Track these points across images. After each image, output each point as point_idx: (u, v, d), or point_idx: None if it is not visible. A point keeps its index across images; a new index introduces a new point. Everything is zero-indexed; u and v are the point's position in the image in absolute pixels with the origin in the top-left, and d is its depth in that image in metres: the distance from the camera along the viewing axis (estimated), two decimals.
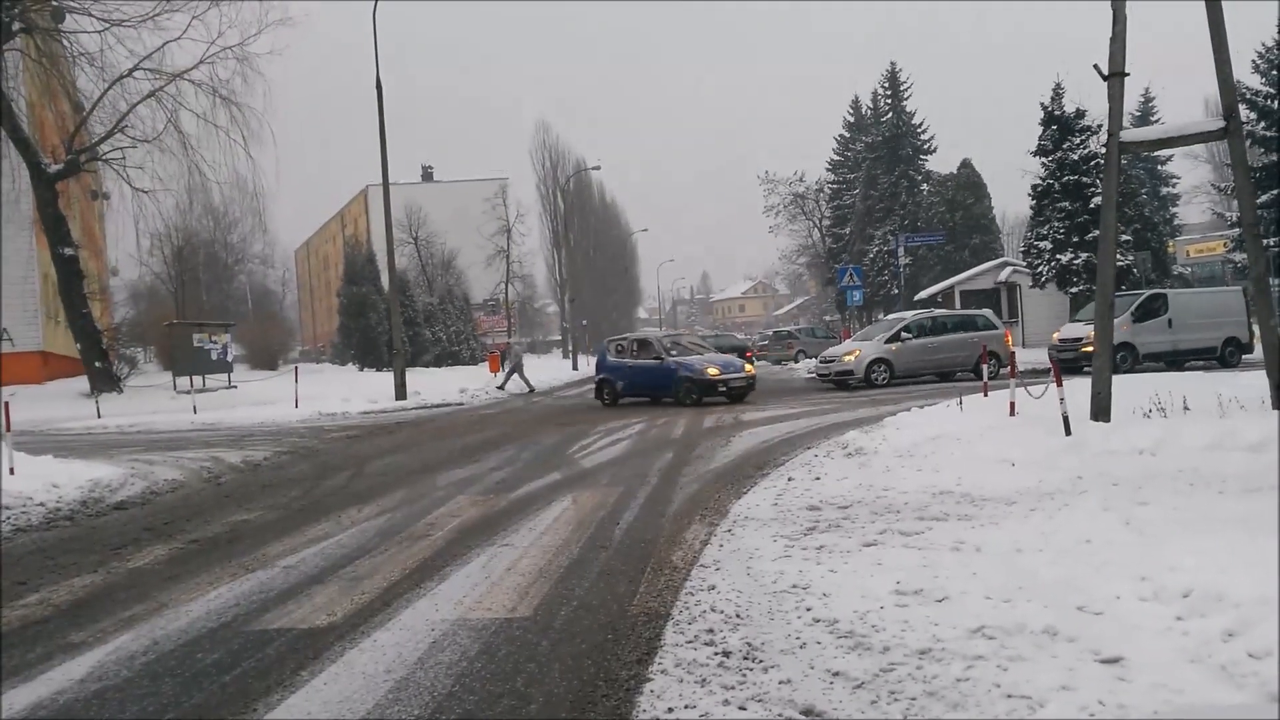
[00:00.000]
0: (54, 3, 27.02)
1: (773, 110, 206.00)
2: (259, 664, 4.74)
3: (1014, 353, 15.57)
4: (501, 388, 29.82)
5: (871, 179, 53.92)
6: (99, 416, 23.19)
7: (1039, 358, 24.44)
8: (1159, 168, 53.15)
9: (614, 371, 21.60)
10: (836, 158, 62.11)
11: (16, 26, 26.04)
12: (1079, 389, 10.22)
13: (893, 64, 56.82)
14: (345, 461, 13.46)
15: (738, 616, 5.02)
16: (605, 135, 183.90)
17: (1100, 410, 9.87)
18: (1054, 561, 5.36)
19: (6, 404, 11.92)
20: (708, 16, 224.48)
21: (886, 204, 53.07)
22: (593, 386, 22.92)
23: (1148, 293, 23.74)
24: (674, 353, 20.97)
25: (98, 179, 34.40)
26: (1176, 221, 52.54)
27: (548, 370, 45.57)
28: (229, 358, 32.57)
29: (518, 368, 30.32)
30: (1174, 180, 55.06)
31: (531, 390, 29.69)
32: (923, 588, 5.10)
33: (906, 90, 56.38)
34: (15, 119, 26.41)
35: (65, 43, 27.84)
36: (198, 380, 28.71)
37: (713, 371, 20.07)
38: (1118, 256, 16.42)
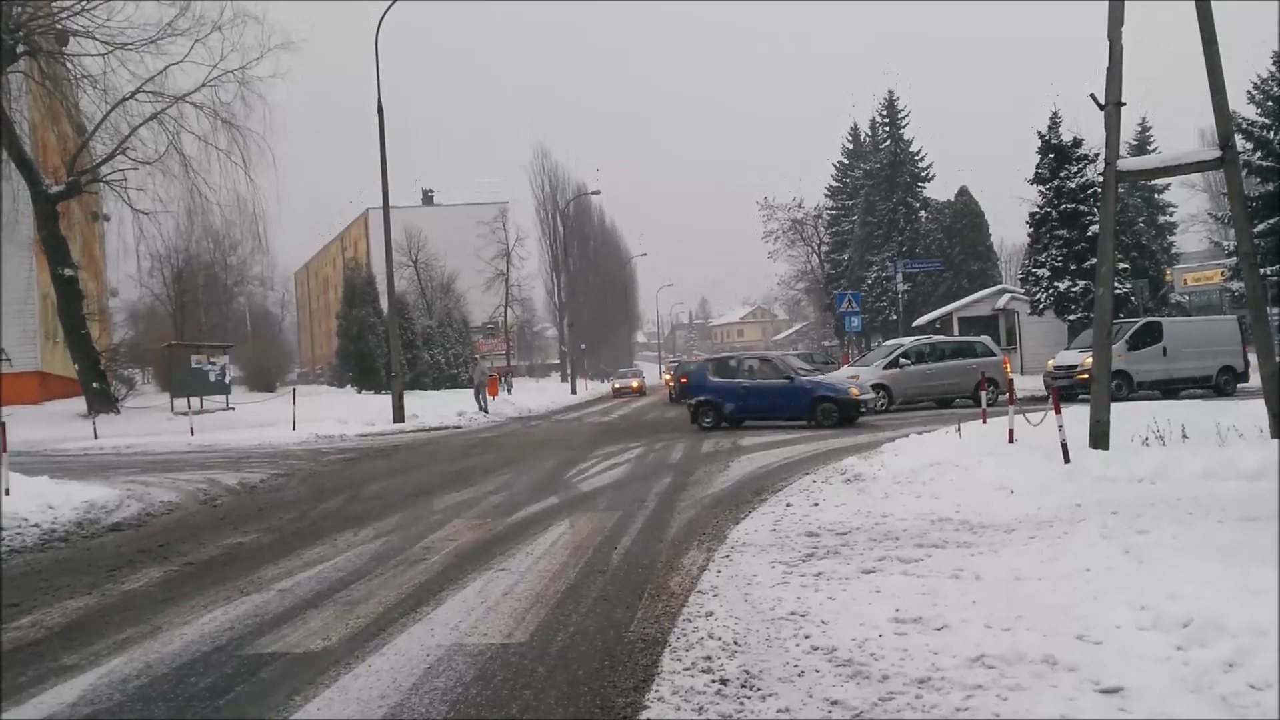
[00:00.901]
0: (58, 26, 27.24)
1: (771, 136, 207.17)
2: (253, 688, 4.70)
3: (1012, 379, 15.59)
4: (486, 410, 30.27)
5: (870, 205, 54.20)
6: (96, 437, 23.12)
7: (1037, 385, 24.46)
8: (1156, 196, 53.44)
9: (720, 393, 20.12)
10: (835, 184, 62.45)
11: (20, 49, 26.21)
12: (1077, 416, 10.21)
13: (890, 93, 57.35)
14: (342, 484, 13.42)
15: (735, 644, 4.99)
16: (605, 160, 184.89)
17: (1099, 438, 9.87)
18: (1053, 590, 5.34)
19: (4, 425, 11.89)
20: (706, 44, 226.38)
21: (885, 230, 53.31)
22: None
23: (1142, 321, 23.79)
24: (803, 372, 20.17)
25: (99, 200, 34.53)
26: (1174, 250, 52.73)
27: (547, 394, 45.62)
28: (227, 379, 32.54)
29: (480, 388, 30.82)
30: (1171, 209, 55.35)
31: (485, 414, 29.80)
32: (922, 615, 5.07)
33: (904, 119, 56.80)
34: (17, 140, 26.51)
35: (68, 65, 28.02)
36: (195, 402, 28.67)
37: (855, 391, 19.36)
38: (1115, 284, 16.47)
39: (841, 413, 18.92)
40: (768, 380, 19.88)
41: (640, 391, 48.52)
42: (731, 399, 20.01)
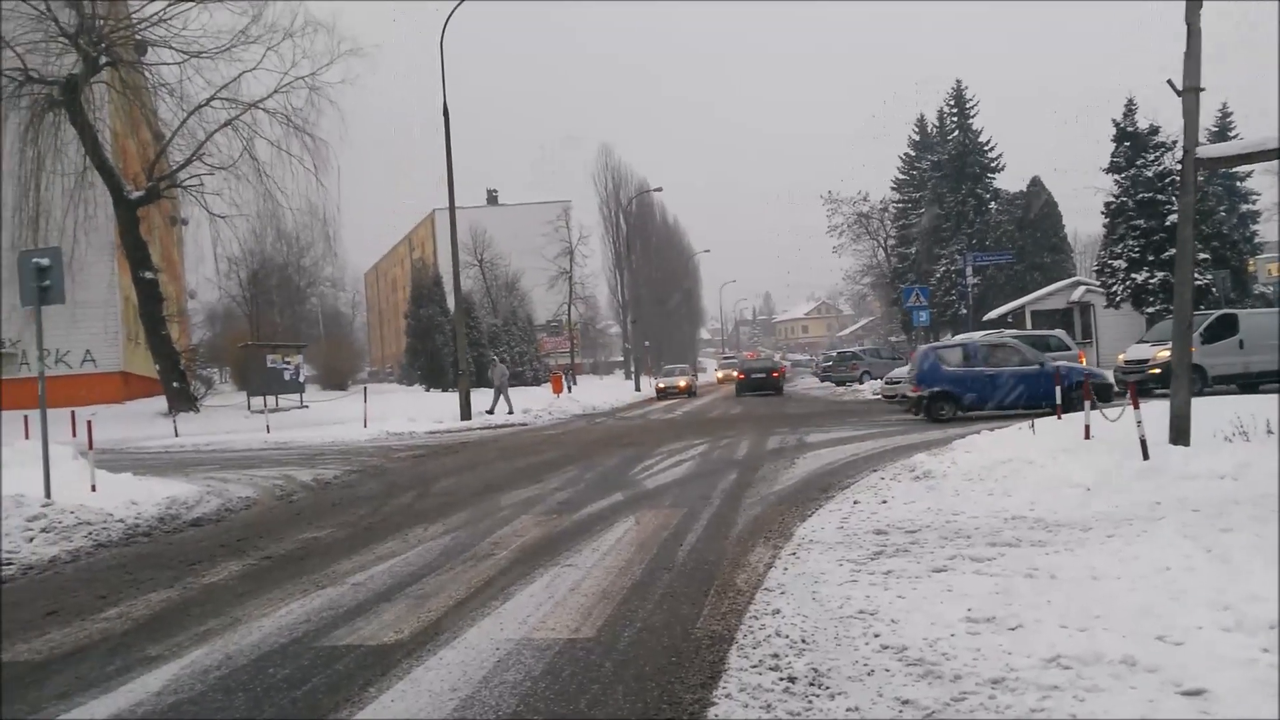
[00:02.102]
0: (137, 37, 28.16)
1: (837, 130, 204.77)
2: (328, 680, 4.81)
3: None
4: (491, 412, 28.16)
5: (938, 197, 53.25)
6: (176, 435, 23.89)
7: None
8: (1237, 184, 51.54)
9: (959, 383, 18.94)
10: (902, 176, 61.46)
11: (103, 60, 27.15)
12: (1155, 412, 9.92)
13: (958, 82, 56.16)
14: (412, 481, 13.64)
15: (803, 641, 4.95)
16: (667, 157, 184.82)
17: (1179, 433, 9.57)
18: (1132, 589, 5.19)
19: (90, 423, 12.34)
20: (769, 39, 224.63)
21: (953, 223, 52.34)
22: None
23: (1217, 313, 22.98)
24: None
25: (177, 205, 35.57)
26: (1257, 239, 50.84)
27: (611, 391, 45.78)
28: (301, 378, 33.33)
29: (502, 389, 29.20)
30: (1254, 197, 53.35)
31: (510, 411, 28.35)
32: (995, 615, 4.97)
33: (972, 108, 55.64)
34: (100, 148, 27.49)
35: (147, 74, 28.96)
36: (271, 400, 29.43)
37: (1109, 375, 18.86)
38: (1195, 275, 15.91)
39: (1099, 396, 17.20)
40: (1013, 367, 18.75)
41: (689, 392, 42.98)
42: (973, 389, 18.80)
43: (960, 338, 26.88)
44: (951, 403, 18.86)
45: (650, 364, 62.15)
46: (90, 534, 9.50)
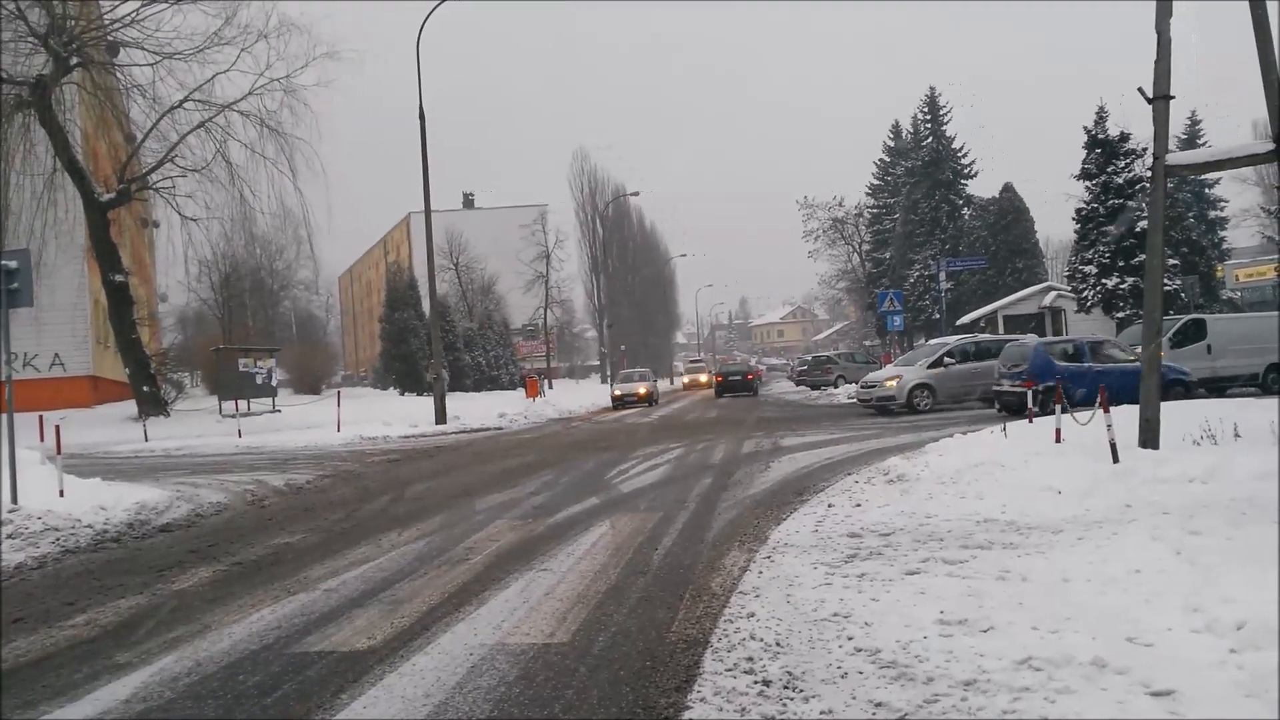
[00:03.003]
0: (109, 38, 27.84)
1: (811, 135, 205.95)
2: (300, 686, 4.76)
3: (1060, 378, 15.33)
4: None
5: (912, 203, 53.66)
6: (146, 440, 23.61)
7: None
8: (1206, 191, 52.32)
9: (1072, 378, 18.19)
10: (876, 182, 61.90)
11: (73, 61, 26.82)
12: (1125, 416, 10.02)
13: (932, 89, 56.71)
14: (386, 485, 13.56)
15: (778, 645, 4.96)
16: (644, 161, 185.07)
17: (1149, 437, 9.68)
18: (1102, 592, 5.24)
19: (58, 427, 12.18)
20: (746, 44, 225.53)
21: (927, 228, 52.75)
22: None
23: (1185, 318, 23.29)
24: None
25: (148, 207, 35.26)
26: (1225, 245, 51.57)
27: (586, 395, 45.72)
28: (273, 382, 33.04)
29: (441, 397, 27.85)
30: (1222, 204, 54.17)
31: (456, 417, 27.12)
32: (967, 617, 5.01)
33: (946, 115, 56.18)
34: (70, 150, 27.14)
35: (119, 75, 28.63)
36: (243, 404, 29.13)
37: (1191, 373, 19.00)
38: (1165, 281, 16.11)
39: (1186, 392, 18.08)
40: (1119, 364, 18.91)
41: (649, 400, 37.70)
42: (1082, 384, 18.19)
43: (940, 340, 27.10)
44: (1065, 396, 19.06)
45: (626, 368, 62.19)
46: (58, 540, 9.37)
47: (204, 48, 27.52)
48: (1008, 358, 20.66)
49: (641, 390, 37.98)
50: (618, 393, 38.19)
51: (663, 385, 59.35)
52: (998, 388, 20.22)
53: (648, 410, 34.01)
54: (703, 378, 58.33)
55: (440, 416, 26.30)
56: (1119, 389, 18.12)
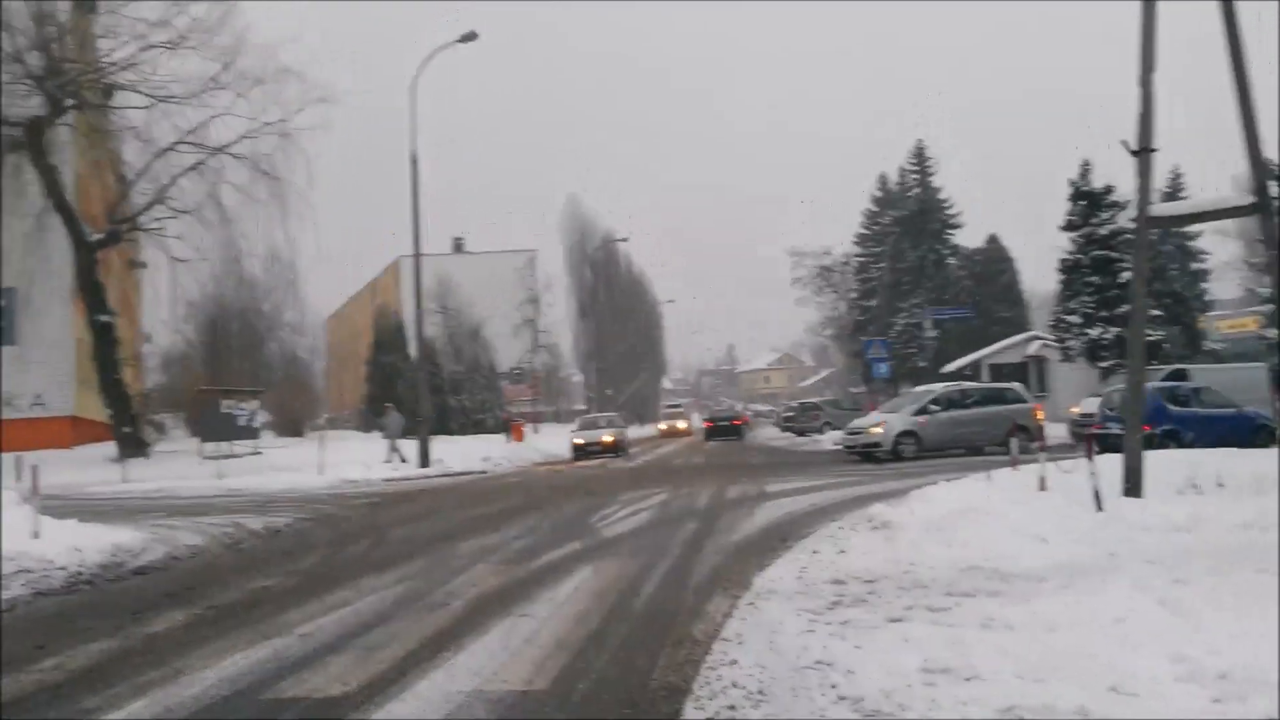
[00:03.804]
0: (105, 80, 28.02)
1: (800, 185, 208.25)
2: None
3: (1044, 427, 15.38)
4: (388, 461, 26.67)
5: (899, 253, 54.13)
6: (124, 481, 23.34)
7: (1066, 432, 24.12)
8: (1189, 243, 52.95)
9: (1181, 422, 19.35)
10: (864, 232, 62.43)
11: (69, 103, 26.96)
12: (1110, 464, 10.04)
13: (919, 140, 57.49)
14: (366, 529, 13.41)
15: (760, 693, 4.89)
16: (633, 208, 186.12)
17: (1133, 486, 9.70)
18: (1087, 640, 5.20)
19: (35, 468, 12.02)
20: (735, 91, 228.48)
21: (914, 277, 53.16)
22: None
23: (1169, 369, 23.48)
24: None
25: (137, 248, 35.17)
26: (1208, 297, 52.09)
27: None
28: (256, 424, 32.81)
29: (393, 437, 27.49)
30: (1204, 256, 54.77)
31: (404, 461, 26.51)
32: (951, 666, 4.95)
33: (933, 166, 56.90)
34: (61, 190, 27.17)
35: (113, 117, 28.77)
36: (225, 446, 28.88)
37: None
38: (1148, 331, 16.29)
39: (1271, 437, 18.15)
40: (1219, 409, 19.72)
41: (617, 449, 32.61)
42: (1193, 428, 19.26)
43: (925, 388, 27.17)
44: (1175, 440, 19.00)
45: (613, 412, 62.02)
46: (29, 582, 9.20)
47: (200, 92, 27.73)
48: (1118, 402, 20.40)
49: (607, 438, 32.87)
50: (579, 441, 32.90)
51: (646, 431, 59.04)
52: (1102, 430, 20.02)
53: (638, 453, 33.64)
54: (681, 424, 57.04)
55: (424, 459, 26.13)
56: (1224, 433, 18.67)
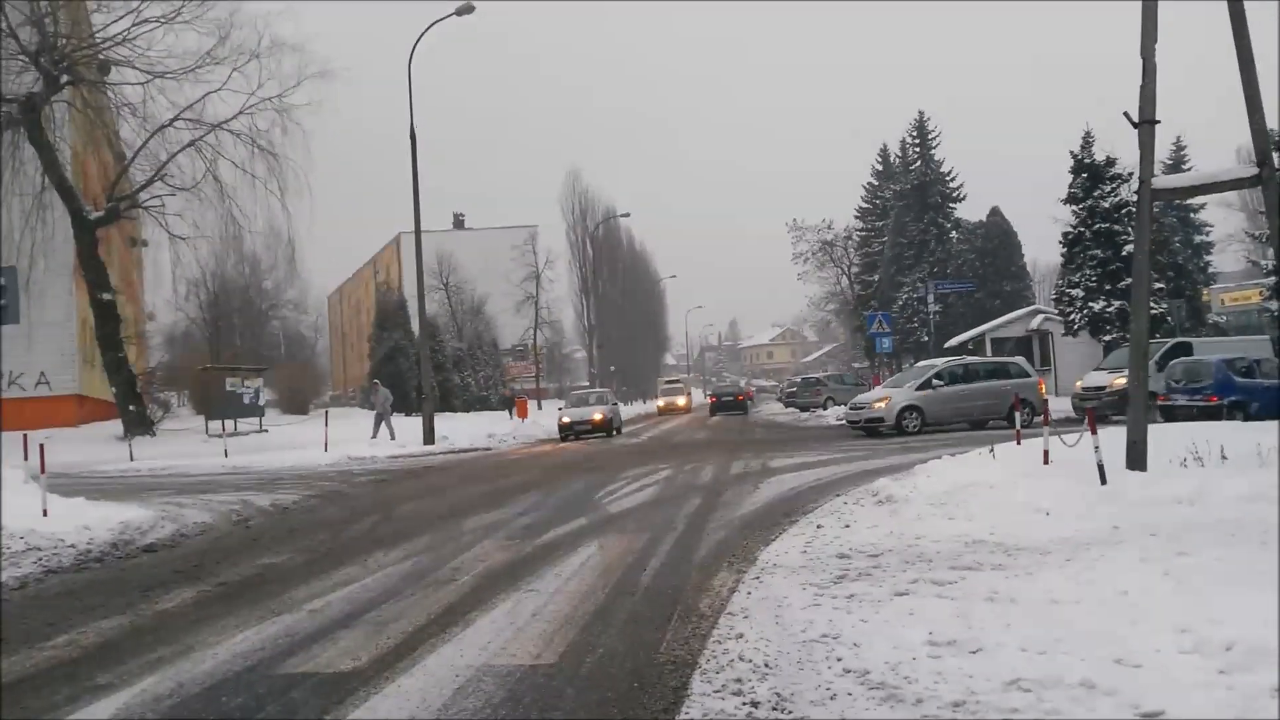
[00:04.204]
0: (100, 56, 27.87)
1: (801, 157, 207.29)
2: (283, 708, 4.70)
3: (1047, 400, 15.39)
4: (375, 437, 26.69)
5: (900, 226, 53.95)
6: (131, 459, 23.44)
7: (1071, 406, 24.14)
8: (1192, 215, 52.74)
9: (1247, 393, 19.45)
10: (865, 205, 62.25)
11: (64, 79, 26.83)
12: (1113, 438, 10.05)
13: (921, 113, 57.15)
14: (373, 506, 13.48)
15: (766, 666, 4.93)
16: (635, 183, 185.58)
17: (1136, 459, 9.70)
18: (1091, 613, 5.23)
19: (42, 446, 12.08)
20: (736, 66, 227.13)
21: (916, 251, 53.03)
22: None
23: (1172, 341, 23.44)
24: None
25: (137, 226, 35.15)
26: (1211, 269, 51.96)
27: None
28: (260, 402, 32.92)
29: (384, 415, 27.54)
30: (1207, 228, 54.58)
31: (392, 438, 26.42)
32: (956, 638, 4.99)
33: (934, 139, 56.59)
34: (60, 168, 27.11)
35: (109, 94, 28.64)
36: (230, 424, 28.99)
37: None
38: (1151, 305, 16.28)
39: None
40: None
41: (605, 428, 30.07)
42: (1259, 398, 19.32)
43: (928, 362, 27.17)
44: (1242, 411, 19.25)
45: (615, 388, 62.10)
46: (40, 560, 9.27)
47: (196, 67, 27.66)
48: (1182, 373, 20.93)
49: (597, 416, 30.04)
50: (566, 420, 30.05)
51: (647, 408, 58.99)
52: (1168, 402, 20.20)
53: (643, 429, 33.57)
54: (680, 400, 54.91)
55: (429, 437, 26.21)
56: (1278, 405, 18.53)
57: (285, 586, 7.75)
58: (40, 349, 30.04)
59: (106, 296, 28.79)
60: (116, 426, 29.30)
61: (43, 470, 11.64)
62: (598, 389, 38.75)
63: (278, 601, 7.15)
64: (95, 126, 28.98)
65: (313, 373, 59.10)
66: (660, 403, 56.64)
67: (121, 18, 27.22)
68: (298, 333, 76.22)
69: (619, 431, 31.55)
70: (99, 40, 27.95)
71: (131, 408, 28.97)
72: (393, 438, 26.58)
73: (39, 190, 26.69)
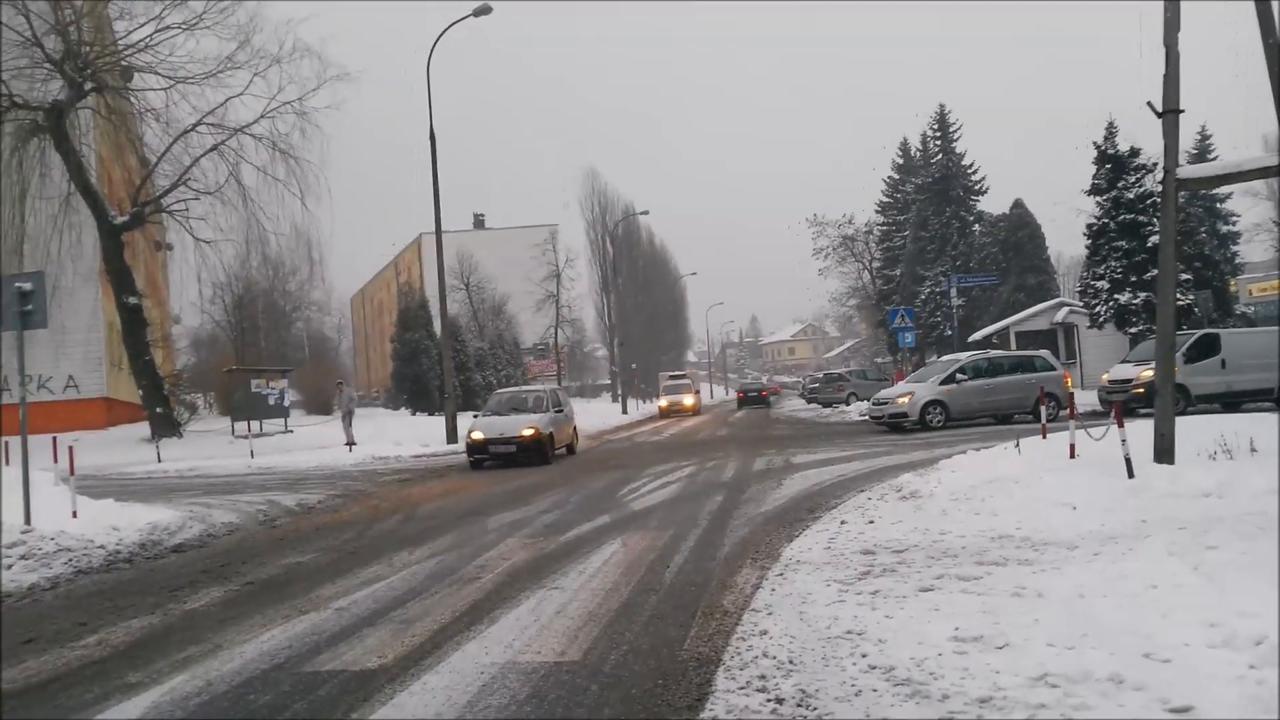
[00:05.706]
0: (123, 63, 28.16)
1: (821, 153, 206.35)
2: (311, 705, 4.74)
3: (1073, 394, 15.25)
4: (353, 443, 25.16)
5: (922, 220, 53.59)
6: (159, 461, 23.69)
7: (1096, 399, 23.91)
8: (1218, 205, 52.09)
9: None
10: (886, 199, 61.83)
11: (88, 86, 27.13)
12: (1139, 431, 9.95)
13: (941, 106, 56.67)
14: (397, 504, 13.55)
15: (790, 662, 4.92)
16: (654, 180, 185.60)
17: (1163, 452, 9.60)
18: (1119, 607, 5.18)
19: (71, 449, 12.22)
20: (755, 61, 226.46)
21: (938, 245, 52.65)
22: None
23: (1199, 333, 23.11)
24: None
25: (161, 230, 35.48)
26: (1238, 260, 51.31)
27: (597, 414, 45.61)
28: (285, 403, 33.16)
29: (348, 415, 26.53)
30: (1234, 218, 53.88)
31: (351, 445, 24.79)
32: (982, 634, 4.96)
33: (956, 132, 56.16)
34: (85, 174, 27.42)
35: (133, 100, 28.93)
36: (255, 425, 29.25)
37: None
38: (1178, 296, 16.09)
39: None
40: None
41: (533, 449, 19.01)
42: None
43: (952, 356, 27.00)
44: None
45: (637, 386, 62.10)
46: (70, 560, 9.39)
47: (217, 72, 27.85)
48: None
49: (526, 431, 19.21)
50: (477, 436, 19.33)
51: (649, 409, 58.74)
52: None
53: (664, 427, 33.40)
54: (688, 400, 46.97)
55: (452, 436, 26.30)
56: None
57: (311, 585, 7.81)
58: (68, 353, 30.40)
59: (133, 300, 29.11)
60: (144, 429, 29.62)
61: (72, 472, 11.79)
62: (533, 388, 25.41)
63: (304, 600, 7.21)
64: (119, 132, 29.30)
65: (337, 373, 59.38)
66: (662, 403, 48.31)
67: (144, 24, 27.57)
68: (321, 334, 76.67)
69: (571, 451, 22.19)
70: (122, 47, 28.29)
71: (158, 410, 29.27)
72: (352, 442, 25.10)
73: (65, 196, 27.00)
